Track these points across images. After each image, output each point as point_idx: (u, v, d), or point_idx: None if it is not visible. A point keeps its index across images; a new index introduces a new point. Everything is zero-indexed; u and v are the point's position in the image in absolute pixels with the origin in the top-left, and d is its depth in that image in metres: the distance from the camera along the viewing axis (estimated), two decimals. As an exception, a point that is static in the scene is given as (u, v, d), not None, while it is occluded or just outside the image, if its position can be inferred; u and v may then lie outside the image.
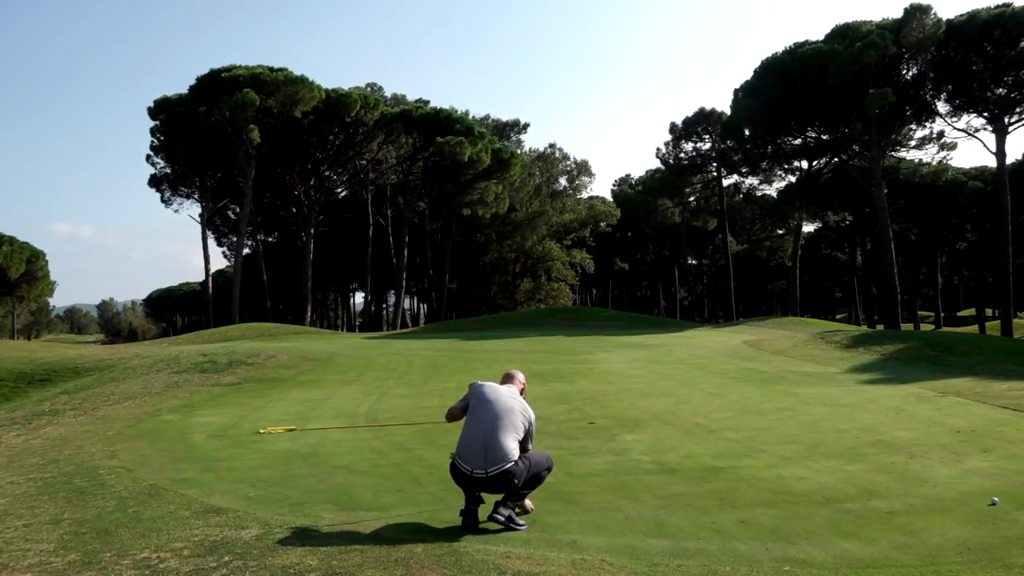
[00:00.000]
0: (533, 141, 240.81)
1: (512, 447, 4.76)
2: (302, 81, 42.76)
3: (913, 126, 42.46)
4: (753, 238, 78.89)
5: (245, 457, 7.27)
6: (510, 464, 4.70)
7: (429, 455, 7.21)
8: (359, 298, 75.35)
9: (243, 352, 17.67)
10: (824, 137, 43.09)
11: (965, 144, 64.64)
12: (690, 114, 60.25)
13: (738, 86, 43.64)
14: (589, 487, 5.94)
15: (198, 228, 48.39)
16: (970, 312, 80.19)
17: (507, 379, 5.45)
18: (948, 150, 46.28)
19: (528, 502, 5.13)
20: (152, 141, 47.75)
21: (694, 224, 72.02)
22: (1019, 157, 53.73)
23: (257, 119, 41.37)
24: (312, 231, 49.49)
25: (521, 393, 5.31)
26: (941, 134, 43.70)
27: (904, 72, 38.69)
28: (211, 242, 52.51)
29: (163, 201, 51.35)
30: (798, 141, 44.43)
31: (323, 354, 18.51)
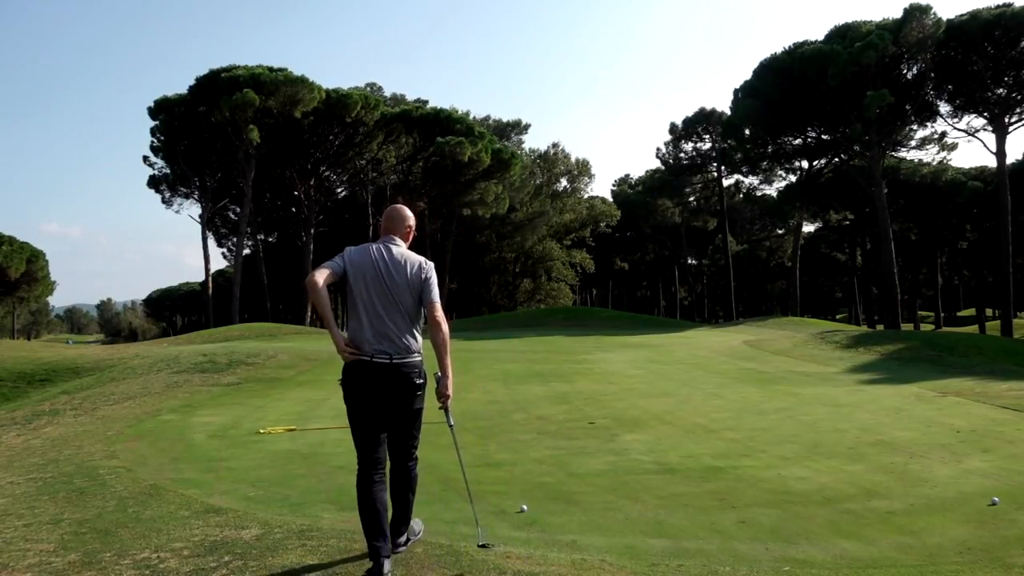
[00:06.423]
0: (534, 141, 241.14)
1: (415, 344, 3.80)
2: (302, 81, 42.78)
3: (914, 126, 42.52)
4: (753, 238, 78.89)
5: (245, 457, 7.26)
6: (419, 359, 3.76)
7: (428, 455, 7.17)
8: (359, 298, 75.19)
9: (243, 352, 17.66)
10: (824, 137, 43.15)
11: (965, 144, 64.69)
12: (690, 114, 60.38)
13: (738, 86, 43.79)
14: (589, 487, 5.93)
15: (193, 227, 48.87)
16: (970, 312, 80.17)
17: (388, 228, 4.03)
18: (948, 151, 46.34)
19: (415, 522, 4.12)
20: (152, 141, 47.85)
21: (694, 224, 72.05)
22: (1019, 157, 53.80)
23: (257, 119, 41.37)
24: (312, 231, 49.49)
25: (407, 239, 4.00)
26: (943, 135, 43.73)
27: (904, 72, 38.71)
28: (211, 242, 52.52)
29: (164, 202, 51.47)
30: (798, 141, 44.50)
31: (323, 354, 18.49)
